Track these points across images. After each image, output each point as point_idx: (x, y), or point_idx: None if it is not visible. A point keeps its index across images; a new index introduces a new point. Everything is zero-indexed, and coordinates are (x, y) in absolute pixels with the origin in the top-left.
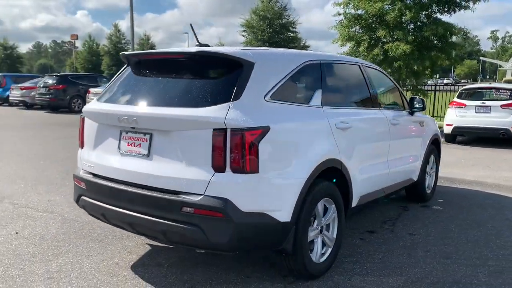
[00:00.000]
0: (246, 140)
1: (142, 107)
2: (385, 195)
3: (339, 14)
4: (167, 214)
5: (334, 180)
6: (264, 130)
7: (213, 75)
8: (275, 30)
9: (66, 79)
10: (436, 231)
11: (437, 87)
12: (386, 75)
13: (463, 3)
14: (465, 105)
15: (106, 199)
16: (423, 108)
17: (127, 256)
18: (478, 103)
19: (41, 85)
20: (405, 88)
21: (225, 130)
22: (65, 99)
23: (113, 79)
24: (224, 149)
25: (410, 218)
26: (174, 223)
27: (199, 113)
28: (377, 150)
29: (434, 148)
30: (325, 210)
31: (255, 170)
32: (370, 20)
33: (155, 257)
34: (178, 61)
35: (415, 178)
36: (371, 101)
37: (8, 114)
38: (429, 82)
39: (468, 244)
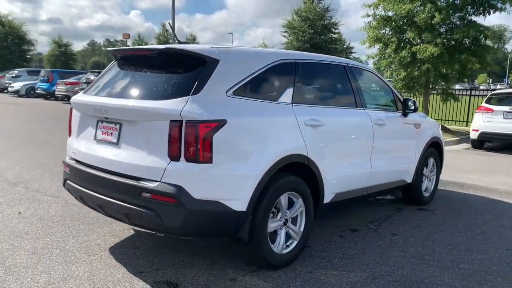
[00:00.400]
0: (200, 132)
1: (114, 99)
2: (368, 194)
3: (368, 16)
4: (129, 198)
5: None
6: (220, 123)
7: (179, 71)
8: (317, 31)
9: None
10: (420, 233)
11: (473, 92)
12: (379, 77)
13: (499, 4)
14: (493, 111)
15: (83, 183)
16: (415, 110)
17: (110, 238)
18: (507, 108)
19: (83, 81)
20: (434, 92)
21: (180, 122)
22: None
23: (101, 73)
24: (180, 140)
25: (399, 220)
26: (135, 207)
27: (159, 105)
28: (357, 149)
29: (434, 151)
30: (292, 203)
31: (208, 160)
32: (400, 22)
33: (135, 241)
34: (150, 57)
35: (409, 180)
36: (354, 101)
37: (52, 107)
38: (481, 87)
39: (448, 247)
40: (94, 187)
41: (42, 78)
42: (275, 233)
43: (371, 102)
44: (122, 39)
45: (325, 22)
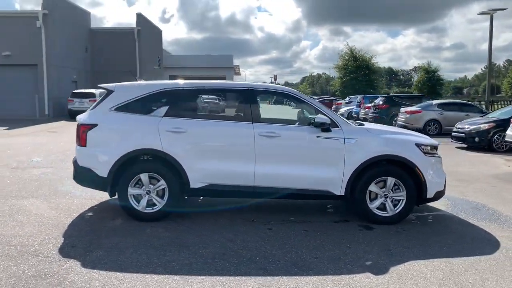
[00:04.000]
0: (81, 129)
1: None
2: (259, 192)
3: None
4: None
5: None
6: (92, 126)
7: (101, 98)
8: None
9: (390, 100)
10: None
11: None
12: (299, 97)
13: None
14: None
15: None
16: (324, 125)
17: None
18: None
19: (372, 104)
20: None
21: (78, 124)
22: (386, 118)
23: None
24: (78, 134)
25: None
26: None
27: (79, 116)
28: (233, 152)
29: (397, 170)
30: (158, 180)
31: (84, 145)
32: None
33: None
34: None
35: (337, 192)
36: (240, 116)
37: None
38: None
39: (322, 258)
40: None
41: (357, 103)
42: (139, 196)
43: (272, 117)
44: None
45: None
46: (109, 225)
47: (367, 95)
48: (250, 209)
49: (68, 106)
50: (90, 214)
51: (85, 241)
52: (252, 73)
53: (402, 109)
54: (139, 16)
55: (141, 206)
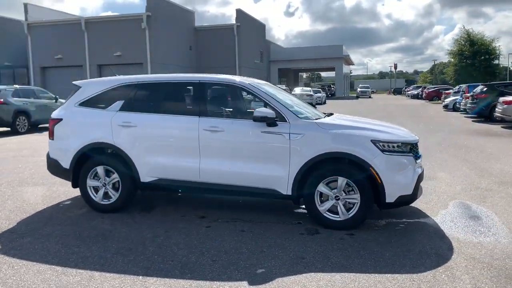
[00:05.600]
0: (50, 124)
1: None
2: (204, 188)
3: None
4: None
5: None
6: (58, 120)
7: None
8: None
9: (491, 88)
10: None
11: None
12: (250, 91)
13: None
14: None
15: None
16: (261, 119)
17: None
18: None
19: (471, 93)
20: None
21: (49, 119)
22: (485, 109)
23: None
24: (49, 127)
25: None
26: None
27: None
28: (179, 147)
29: (348, 170)
30: (113, 174)
31: (52, 138)
32: None
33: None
34: None
35: (284, 192)
36: (187, 110)
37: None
38: None
39: (219, 261)
40: None
41: (461, 92)
42: (96, 188)
43: (220, 111)
44: None
45: None
46: (69, 214)
47: (473, 84)
48: (213, 205)
49: None
50: (68, 203)
51: (29, 227)
52: (379, 62)
53: (501, 99)
54: (239, 12)
55: (98, 198)
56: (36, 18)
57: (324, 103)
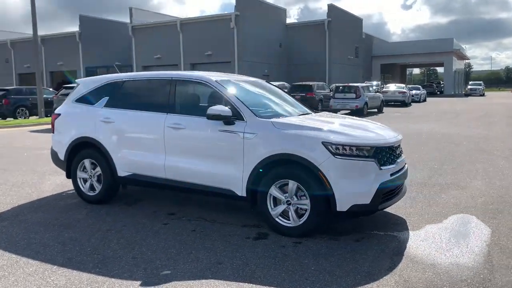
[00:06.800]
0: (52, 118)
1: None
2: (172, 186)
3: None
4: None
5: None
6: (58, 115)
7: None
8: None
9: None
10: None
11: None
12: (213, 87)
13: None
14: None
15: None
16: (214, 117)
17: None
18: None
19: None
20: None
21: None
22: None
23: None
24: (51, 122)
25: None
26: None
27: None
28: (147, 144)
29: (294, 173)
30: (96, 167)
31: (53, 132)
32: None
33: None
34: None
35: (239, 193)
36: (157, 107)
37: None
38: None
39: (123, 257)
40: None
41: None
42: (85, 180)
43: (188, 108)
44: None
45: None
46: (61, 203)
47: None
48: (191, 203)
49: None
50: (71, 192)
51: (15, 212)
52: (509, 56)
53: None
54: (331, 7)
55: (85, 189)
56: (139, 21)
57: (424, 100)
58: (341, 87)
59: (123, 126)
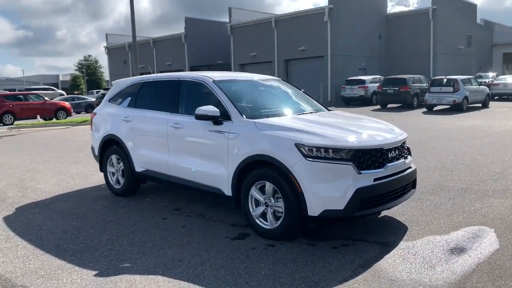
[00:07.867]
0: (91, 117)
1: None
2: (172, 182)
3: None
4: None
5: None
6: (95, 114)
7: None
8: None
9: None
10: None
11: None
12: (209, 87)
13: None
14: None
15: None
16: (201, 117)
17: None
18: None
19: None
20: None
21: None
22: None
23: None
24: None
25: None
26: None
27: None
28: (155, 142)
29: (270, 174)
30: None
31: (92, 130)
32: None
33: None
34: None
35: (226, 192)
36: (167, 107)
37: None
38: None
39: (98, 248)
40: None
41: None
42: (113, 174)
43: (189, 108)
44: None
45: None
46: (91, 194)
47: None
48: (201, 200)
49: (341, 93)
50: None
51: (48, 201)
52: None
53: None
54: None
55: (113, 182)
56: (237, 20)
57: None
58: (437, 81)
59: (138, 124)
